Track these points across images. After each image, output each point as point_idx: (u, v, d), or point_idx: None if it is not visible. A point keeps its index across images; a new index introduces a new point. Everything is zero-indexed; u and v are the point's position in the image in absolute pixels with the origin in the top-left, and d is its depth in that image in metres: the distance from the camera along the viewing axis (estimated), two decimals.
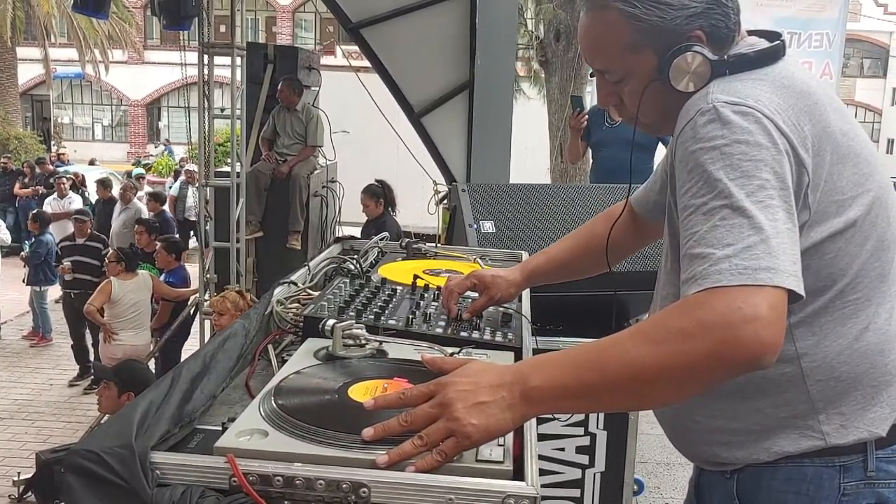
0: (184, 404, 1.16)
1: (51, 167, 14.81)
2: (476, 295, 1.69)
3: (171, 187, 14.75)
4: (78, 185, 13.40)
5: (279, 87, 7.35)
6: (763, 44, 1.38)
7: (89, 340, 7.58)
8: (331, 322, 1.42)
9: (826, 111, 1.31)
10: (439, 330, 1.51)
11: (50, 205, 11.34)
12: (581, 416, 2.60)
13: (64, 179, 12.04)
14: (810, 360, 1.33)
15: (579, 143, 5.54)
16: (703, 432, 1.44)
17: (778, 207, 1.16)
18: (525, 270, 1.79)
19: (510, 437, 1.08)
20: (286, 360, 1.40)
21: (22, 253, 9.47)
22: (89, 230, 8.12)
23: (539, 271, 1.81)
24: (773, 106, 1.25)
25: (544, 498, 1.01)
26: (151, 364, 6.37)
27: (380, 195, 7.13)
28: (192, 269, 7.41)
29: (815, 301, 1.30)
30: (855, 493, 1.35)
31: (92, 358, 7.41)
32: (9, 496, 5.12)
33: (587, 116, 5.35)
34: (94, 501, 0.96)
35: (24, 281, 8.86)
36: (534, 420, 1.13)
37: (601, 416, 2.63)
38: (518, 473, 1.01)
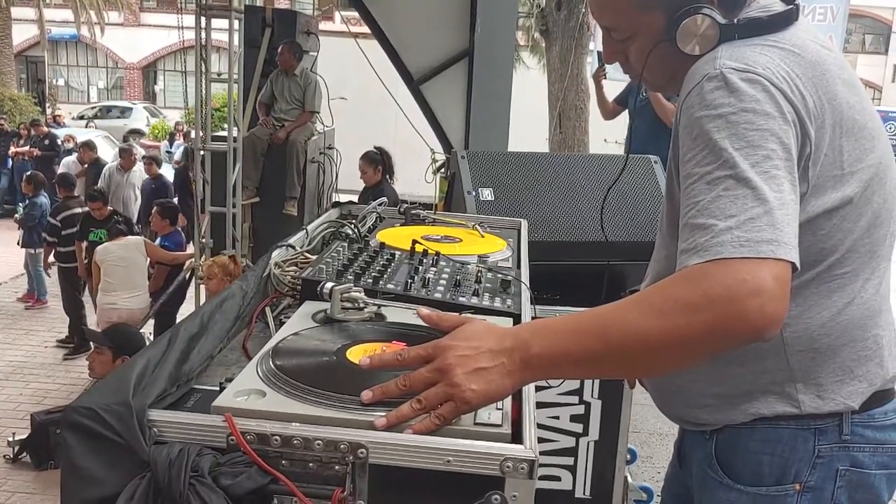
0: (181, 364, 1.16)
1: (45, 129, 14.68)
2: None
3: (168, 150, 14.62)
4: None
5: (280, 50, 7.27)
6: (776, 6, 1.35)
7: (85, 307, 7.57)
8: (329, 285, 1.42)
9: (835, 82, 1.29)
10: (438, 295, 1.51)
11: (67, 166, 11.22)
12: (576, 385, 2.61)
13: (87, 145, 11.92)
14: (792, 330, 1.33)
15: (606, 98, 5.72)
16: (685, 395, 1.45)
17: (783, 178, 1.15)
18: None
19: (508, 400, 1.08)
20: (283, 323, 1.40)
21: (16, 215, 9.41)
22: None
23: None
24: (782, 74, 1.23)
25: (538, 465, 1.02)
26: (150, 326, 6.38)
27: (378, 162, 7.09)
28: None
29: (803, 274, 1.28)
30: (829, 455, 1.35)
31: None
32: (3, 457, 5.14)
33: (606, 71, 5.51)
34: (92, 458, 0.96)
35: (18, 243, 8.83)
36: (532, 384, 1.13)
37: (596, 384, 2.64)
38: (516, 437, 1.01)
